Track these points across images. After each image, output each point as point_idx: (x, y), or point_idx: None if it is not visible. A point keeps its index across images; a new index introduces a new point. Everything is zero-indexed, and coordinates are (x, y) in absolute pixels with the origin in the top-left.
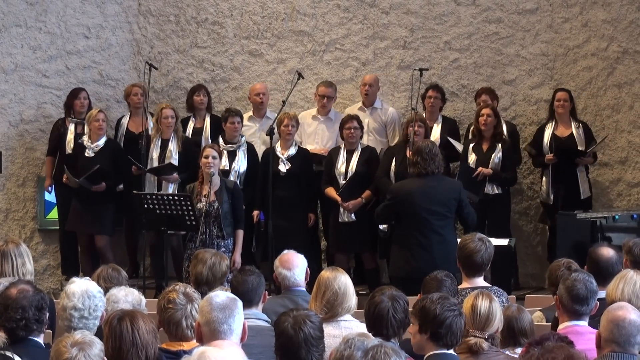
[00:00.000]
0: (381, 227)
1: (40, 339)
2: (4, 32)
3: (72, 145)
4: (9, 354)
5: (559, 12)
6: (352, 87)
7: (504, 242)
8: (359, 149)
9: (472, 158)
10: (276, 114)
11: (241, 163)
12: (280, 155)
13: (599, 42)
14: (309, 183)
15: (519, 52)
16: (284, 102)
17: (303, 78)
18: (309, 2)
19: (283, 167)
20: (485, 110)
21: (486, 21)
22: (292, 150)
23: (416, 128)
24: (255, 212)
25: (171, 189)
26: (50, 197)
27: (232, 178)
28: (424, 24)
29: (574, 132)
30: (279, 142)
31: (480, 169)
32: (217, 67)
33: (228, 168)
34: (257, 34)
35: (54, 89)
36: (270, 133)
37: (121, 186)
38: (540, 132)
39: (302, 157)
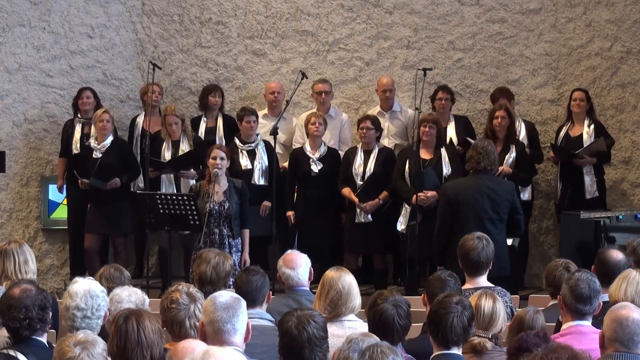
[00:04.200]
0: (399, 228)
1: (43, 339)
2: (7, 31)
3: (78, 146)
4: (12, 352)
5: (562, 12)
6: (355, 87)
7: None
8: (376, 150)
9: None
10: (280, 114)
11: (263, 160)
12: (310, 155)
13: (603, 42)
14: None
15: (522, 52)
16: (287, 101)
17: (307, 78)
18: (312, 2)
19: (315, 168)
20: (499, 112)
21: (490, 21)
22: (323, 150)
23: (427, 129)
24: (290, 213)
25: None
26: (54, 196)
27: (256, 176)
28: (427, 23)
29: (584, 131)
30: (307, 142)
31: (501, 167)
32: (220, 66)
33: (250, 167)
34: (261, 33)
35: (58, 88)
36: (274, 133)
37: (142, 184)
38: (559, 131)
39: (333, 157)
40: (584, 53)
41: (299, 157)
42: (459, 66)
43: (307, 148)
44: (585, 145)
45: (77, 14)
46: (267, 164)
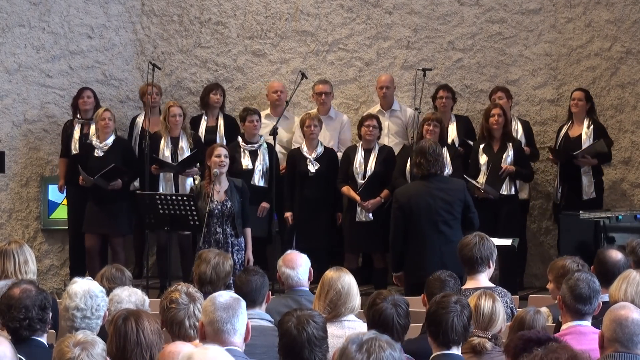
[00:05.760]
0: None
1: (43, 339)
2: (7, 32)
3: (77, 146)
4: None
5: (562, 12)
6: (355, 87)
7: (507, 242)
8: (377, 149)
9: (483, 159)
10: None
11: (264, 162)
12: (307, 155)
13: (603, 42)
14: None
15: (522, 52)
16: (287, 102)
17: (307, 78)
18: (312, 2)
19: (312, 168)
20: (495, 110)
21: (489, 21)
22: (320, 150)
23: (431, 127)
24: (288, 214)
25: (188, 186)
26: (54, 197)
27: (256, 177)
28: (427, 24)
29: (584, 132)
30: (304, 143)
31: (505, 166)
32: (220, 67)
33: (251, 167)
34: (261, 34)
35: (58, 89)
36: (273, 133)
37: (137, 184)
38: (559, 131)
39: (330, 157)
40: (583, 53)
41: (295, 157)
42: (458, 66)
43: (304, 149)
44: (583, 146)
45: (77, 15)
46: (267, 165)
